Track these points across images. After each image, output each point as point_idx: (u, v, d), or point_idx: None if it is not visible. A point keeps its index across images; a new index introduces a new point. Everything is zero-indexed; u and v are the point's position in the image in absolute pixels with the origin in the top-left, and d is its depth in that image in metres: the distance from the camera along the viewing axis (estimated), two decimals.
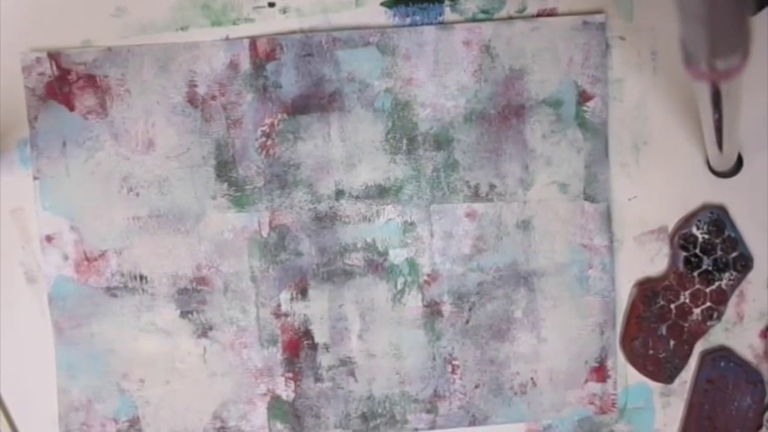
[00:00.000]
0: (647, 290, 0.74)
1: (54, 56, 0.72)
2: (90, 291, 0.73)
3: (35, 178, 0.73)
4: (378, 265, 0.74)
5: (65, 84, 0.73)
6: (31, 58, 0.72)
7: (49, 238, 0.73)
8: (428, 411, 0.75)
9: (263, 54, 0.73)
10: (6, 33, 0.72)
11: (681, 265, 0.74)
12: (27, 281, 0.74)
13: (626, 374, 0.75)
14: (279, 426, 0.75)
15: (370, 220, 0.74)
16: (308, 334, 0.74)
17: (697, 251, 0.74)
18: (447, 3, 0.73)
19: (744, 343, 0.75)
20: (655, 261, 0.75)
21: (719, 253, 0.74)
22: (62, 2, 0.73)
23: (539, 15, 0.73)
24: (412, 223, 0.74)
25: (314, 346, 0.74)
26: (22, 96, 0.73)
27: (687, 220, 0.74)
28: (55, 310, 0.73)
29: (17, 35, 0.73)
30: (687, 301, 0.74)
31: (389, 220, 0.74)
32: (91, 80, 0.73)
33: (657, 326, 0.75)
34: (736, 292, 0.75)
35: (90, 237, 0.73)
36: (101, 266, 0.73)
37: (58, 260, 0.73)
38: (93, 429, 0.74)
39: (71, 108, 0.73)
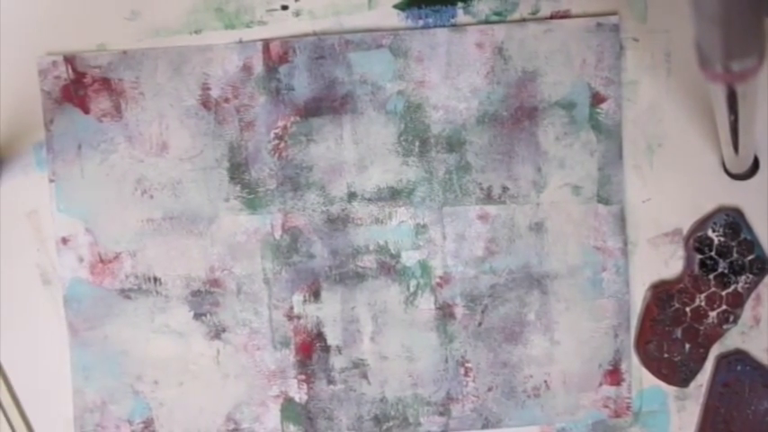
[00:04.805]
0: (662, 293, 0.74)
1: (70, 59, 0.73)
2: (104, 293, 0.74)
3: (51, 180, 0.74)
4: (390, 267, 0.74)
5: (80, 87, 0.73)
6: (47, 61, 0.73)
7: (64, 240, 0.74)
8: (441, 414, 0.75)
9: (276, 57, 0.73)
10: (23, 37, 0.73)
11: (696, 268, 0.74)
12: (42, 282, 0.74)
13: (640, 378, 0.74)
14: (292, 428, 0.75)
15: (382, 222, 0.74)
16: (320, 336, 0.74)
17: (712, 254, 0.73)
18: (460, 5, 0.73)
19: (760, 346, 0.75)
20: (669, 264, 0.74)
21: (735, 256, 0.73)
22: (78, 6, 0.73)
23: (552, 17, 0.73)
24: (424, 225, 0.74)
25: (326, 349, 0.74)
26: (39, 99, 0.73)
27: (702, 223, 0.73)
28: (70, 311, 0.74)
29: (33, 39, 0.73)
30: (702, 304, 0.74)
31: (402, 222, 0.74)
32: (106, 83, 0.73)
33: (672, 329, 0.74)
34: (753, 295, 0.74)
35: (104, 239, 0.74)
36: (115, 268, 0.74)
37: (73, 262, 0.74)
38: (108, 430, 0.74)
39: (86, 111, 0.73)
